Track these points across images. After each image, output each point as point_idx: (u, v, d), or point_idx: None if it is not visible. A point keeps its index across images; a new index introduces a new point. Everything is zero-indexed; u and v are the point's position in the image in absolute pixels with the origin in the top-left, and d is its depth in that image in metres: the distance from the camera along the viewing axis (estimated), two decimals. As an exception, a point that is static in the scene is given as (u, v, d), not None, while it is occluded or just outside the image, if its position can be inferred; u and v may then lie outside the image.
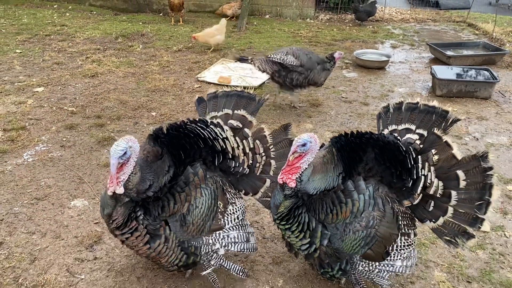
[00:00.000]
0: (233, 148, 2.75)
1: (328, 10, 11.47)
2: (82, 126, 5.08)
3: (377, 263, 2.62)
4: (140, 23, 9.85)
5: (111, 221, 2.50)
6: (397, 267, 2.66)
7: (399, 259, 2.64)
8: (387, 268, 2.66)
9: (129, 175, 2.42)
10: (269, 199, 2.96)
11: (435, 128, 2.62)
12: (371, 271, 2.66)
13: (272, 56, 5.32)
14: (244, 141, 2.80)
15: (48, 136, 4.83)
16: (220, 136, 2.69)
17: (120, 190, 2.40)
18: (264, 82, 6.50)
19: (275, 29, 9.69)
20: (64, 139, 4.80)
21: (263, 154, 2.87)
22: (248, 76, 6.79)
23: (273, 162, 2.91)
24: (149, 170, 2.53)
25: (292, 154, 2.46)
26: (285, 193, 2.55)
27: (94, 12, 10.76)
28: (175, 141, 2.64)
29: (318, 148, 2.54)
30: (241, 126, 2.83)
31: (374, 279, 2.71)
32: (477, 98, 6.07)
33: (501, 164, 4.49)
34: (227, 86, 6.27)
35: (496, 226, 3.58)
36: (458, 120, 2.70)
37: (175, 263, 2.67)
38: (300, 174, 2.51)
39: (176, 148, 2.65)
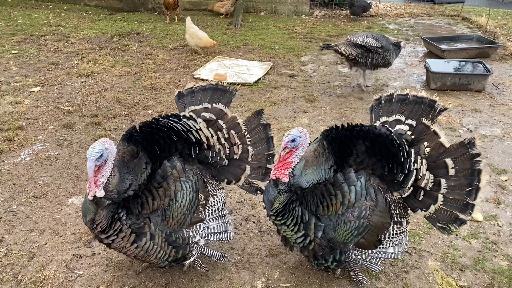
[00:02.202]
0: (207, 138, 2.78)
1: (323, 6, 11.51)
2: (78, 125, 5.11)
3: (369, 251, 2.67)
4: (136, 22, 9.87)
5: (95, 226, 2.48)
6: (389, 253, 2.72)
7: (391, 246, 2.70)
8: (380, 255, 2.71)
9: (108, 177, 2.41)
10: (251, 185, 3.03)
11: (424, 118, 2.67)
12: (364, 258, 2.71)
13: (355, 39, 5.81)
14: (218, 132, 2.84)
15: (45, 135, 4.86)
16: (194, 127, 2.73)
17: (101, 193, 2.39)
18: (259, 79, 6.53)
19: (270, 26, 9.72)
20: (61, 138, 4.83)
21: (239, 142, 2.90)
22: (244, 73, 6.82)
23: (250, 148, 2.94)
24: (127, 169, 2.54)
25: (283, 149, 2.50)
26: (279, 188, 2.58)
27: (89, 12, 10.76)
28: (149, 138, 2.66)
29: (309, 142, 2.58)
30: (214, 118, 2.87)
31: (367, 266, 2.77)
32: (471, 91, 6.11)
33: (494, 155, 4.53)
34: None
35: (489, 215, 3.63)
36: (446, 109, 2.75)
37: (165, 259, 2.69)
38: (293, 169, 2.55)
39: (151, 144, 2.66)
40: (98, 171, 2.39)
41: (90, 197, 2.41)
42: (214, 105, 2.96)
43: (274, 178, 2.58)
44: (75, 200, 3.79)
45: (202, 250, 2.89)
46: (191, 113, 2.84)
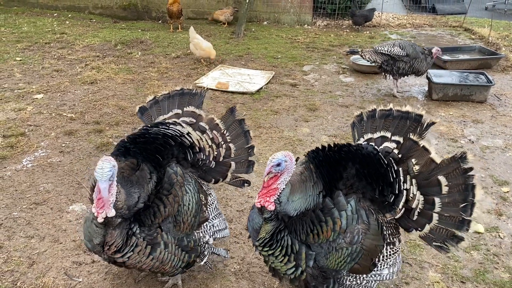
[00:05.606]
0: (198, 140, 2.83)
1: (325, 16, 11.57)
2: (81, 132, 5.13)
3: (364, 275, 2.52)
4: (139, 30, 9.94)
5: (107, 248, 2.41)
6: (384, 275, 2.59)
7: (386, 267, 2.57)
8: (375, 278, 2.58)
9: (116, 195, 2.34)
10: (238, 179, 3.04)
11: (411, 134, 2.57)
12: (359, 284, 2.55)
13: (380, 48, 6.05)
14: (204, 134, 2.89)
15: (47, 142, 4.88)
16: (183, 132, 2.76)
17: (112, 212, 2.31)
18: (261, 88, 6.55)
19: (273, 35, 9.77)
20: (63, 145, 4.84)
21: (222, 142, 2.96)
22: (246, 81, 6.85)
23: (231, 145, 3.00)
24: (131, 184, 2.49)
25: (267, 174, 2.32)
26: (265, 216, 2.39)
27: (94, 20, 10.85)
28: (148, 147, 2.63)
29: (295, 165, 2.41)
30: (194, 121, 2.93)
31: None
32: (473, 102, 6.11)
33: (496, 167, 4.52)
34: (225, 91, 6.37)
35: (491, 227, 3.61)
36: (433, 123, 2.66)
37: (178, 266, 2.68)
38: (278, 196, 2.36)
39: (151, 153, 2.62)
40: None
41: (100, 219, 2.32)
42: (185, 109, 3.01)
43: (259, 206, 2.38)
44: (76, 207, 3.79)
45: (212, 249, 2.95)
46: (174, 119, 2.87)
